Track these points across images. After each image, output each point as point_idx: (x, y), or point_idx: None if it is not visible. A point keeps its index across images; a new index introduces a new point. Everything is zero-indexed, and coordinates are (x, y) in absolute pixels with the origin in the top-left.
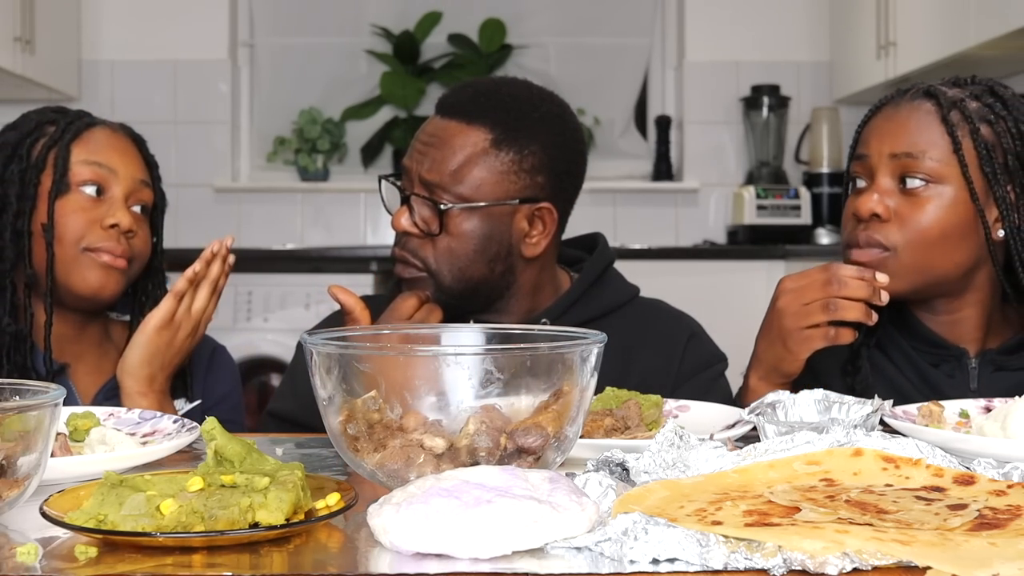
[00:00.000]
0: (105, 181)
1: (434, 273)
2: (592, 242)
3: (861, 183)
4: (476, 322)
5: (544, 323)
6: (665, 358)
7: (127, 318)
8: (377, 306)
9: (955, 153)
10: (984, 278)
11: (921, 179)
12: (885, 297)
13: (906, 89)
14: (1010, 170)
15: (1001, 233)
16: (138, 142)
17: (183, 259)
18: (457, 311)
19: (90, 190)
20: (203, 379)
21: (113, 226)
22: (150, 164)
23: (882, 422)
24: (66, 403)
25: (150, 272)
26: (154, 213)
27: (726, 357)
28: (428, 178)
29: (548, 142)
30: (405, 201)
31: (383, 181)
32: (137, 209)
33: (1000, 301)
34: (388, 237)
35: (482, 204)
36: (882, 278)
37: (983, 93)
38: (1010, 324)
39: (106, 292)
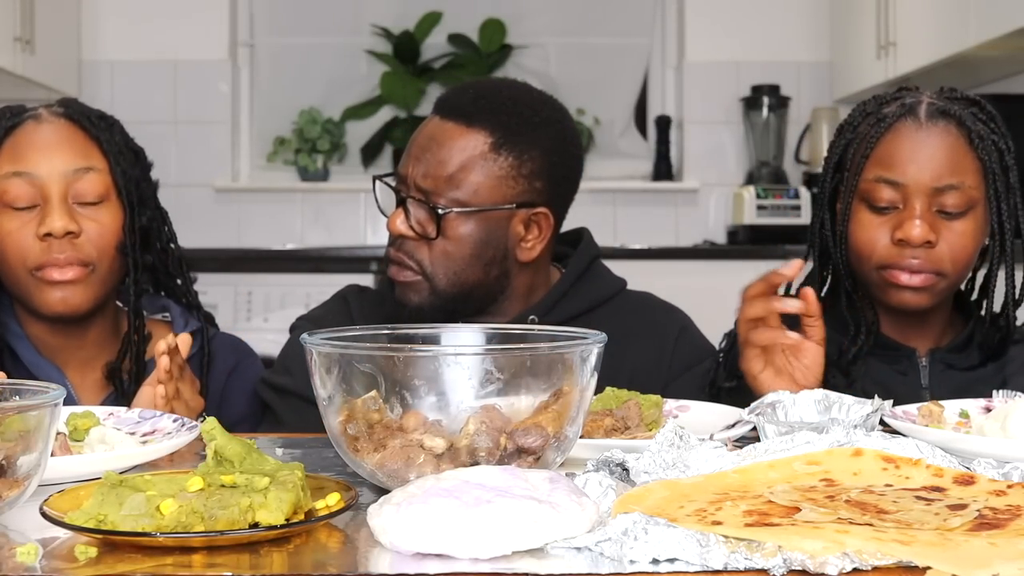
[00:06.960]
0: (31, 192)
1: (429, 276)
2: (577, 237)
3: (886, 205)
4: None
5: (532, 320)
6: (657, 351)
7: (165, 316)
8: (367, 301)
9: (984, 178)
10: None
11: (962, 207)
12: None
13: (909, 103)
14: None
15: None
16: (79, 122)
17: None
18: (450, 314)
19: (19, 205)
20: (218, 400)
21: (47, 236)
22: (103, 143)
23: (882, 422)
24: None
25: (145, 254)
26: (129, 188)
27: (716, 351)
28: (424, 182)
29: (548, 147)
30: (401, 203)
31: (377, 181)
32: (84, 202)
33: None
34: (388, 237)
35: (479, 208)
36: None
37: (979, 112)
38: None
39: (72, 307)
